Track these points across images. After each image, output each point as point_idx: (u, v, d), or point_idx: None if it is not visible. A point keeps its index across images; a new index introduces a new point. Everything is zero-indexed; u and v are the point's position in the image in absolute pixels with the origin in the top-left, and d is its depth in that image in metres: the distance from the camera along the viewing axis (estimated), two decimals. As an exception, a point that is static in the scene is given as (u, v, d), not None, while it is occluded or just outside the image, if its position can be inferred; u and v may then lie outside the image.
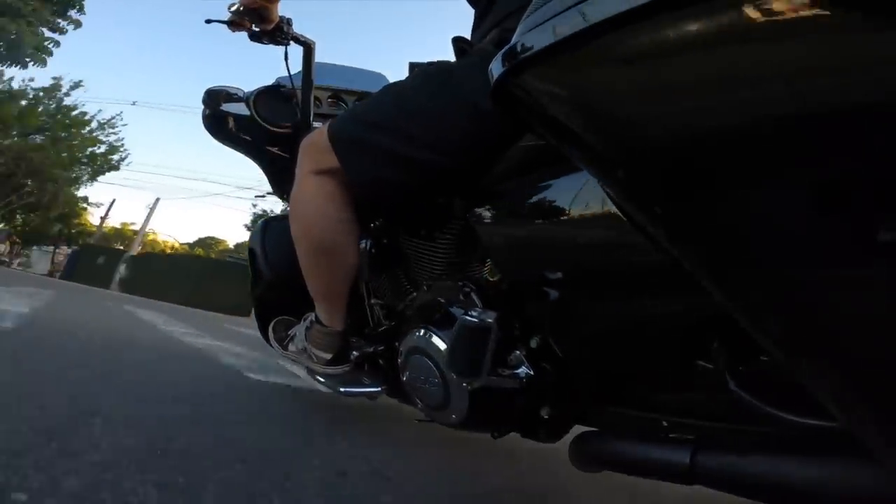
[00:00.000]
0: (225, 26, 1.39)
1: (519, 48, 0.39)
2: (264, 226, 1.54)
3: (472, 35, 0.97)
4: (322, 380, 1.14)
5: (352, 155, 0.89)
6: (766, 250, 0.32)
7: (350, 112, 1.03)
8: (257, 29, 1.39)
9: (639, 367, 0.70)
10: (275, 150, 1.52)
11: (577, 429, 0.76)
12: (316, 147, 0.94)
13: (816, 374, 0.34)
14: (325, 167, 0.92)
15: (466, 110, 0.80)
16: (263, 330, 1.41)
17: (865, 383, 0.31)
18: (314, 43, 1.47)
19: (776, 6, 0.26)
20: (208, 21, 1.43)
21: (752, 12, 0.27)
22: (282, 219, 1.56)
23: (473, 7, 1.01)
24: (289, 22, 1.42)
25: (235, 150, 1.59)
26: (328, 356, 1.08)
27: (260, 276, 1.46)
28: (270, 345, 1.33)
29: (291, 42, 1.45)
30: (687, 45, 0.30)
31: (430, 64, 0.90)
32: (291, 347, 1.21)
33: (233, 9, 1.33)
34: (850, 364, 0.31)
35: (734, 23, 0.27)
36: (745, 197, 0.31)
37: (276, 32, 1.40)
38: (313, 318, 1.11)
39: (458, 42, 0.94)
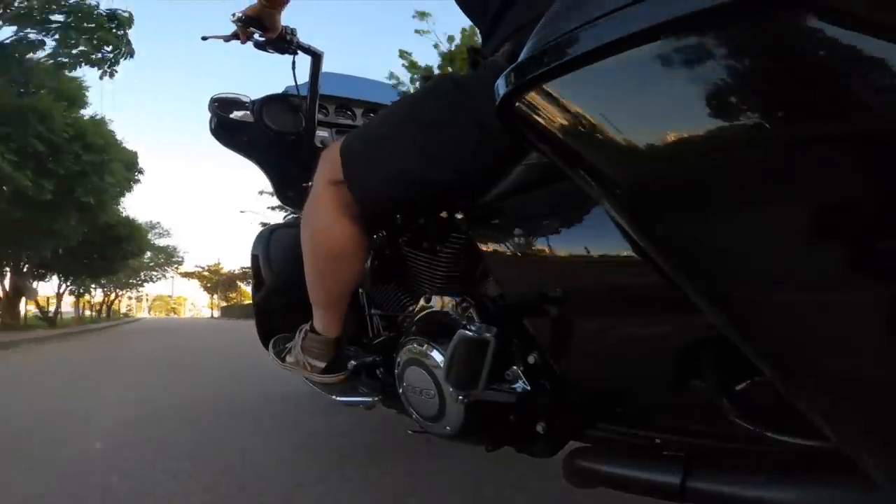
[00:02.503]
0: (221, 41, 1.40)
1: (524, 67, 0.39)
2: (269, 232, 1.54)
3: (484, 47, 0.95)
4: (319, 389, 1.14)
5: (356, 169, 0.90)
6: (765, 272, 0.32)
7: (364, 125, 1.04)
8: (262, 38, 1.41)
9: (634, 385, 0.70)
10: (280, 157, 1.54)
11: (573, 445, 0.76)
12: (330, 158, 0.95)
13: (811, 394, 0.35)
14: (339, 178, 0.92)
15: (474, 125, 0.79)
16: (265, 340, 1.41)
17: (860, 404, 0.32)
18: (322, 53, 1.49)
19: (775, 34, 0.27)
20: (204, 38, 1.44)
21: (755, 38, 0.27)
22: (286, 226, 1.57)
23: (476, 23, 1.00)
24: (293, 31, 1.43)
25: (241, 156, 1.60)
26: (322, 364, 1.08)
27: (262, 283, 1.46)
28: (270, 357, 1.33)
29: (298, 52, 1.46)
30: (690, 68, 0.30)
31: (441, 76, 0.90)
32: (289, 359, 1.21)
33: (234, 18, 1.34)
34: (846, 385, 0.32)
35: (739, 47, 0.28)
36: (744, 219, 0.31)
37: (280, 42, 1.42)
38: (308, 328, 1.11)
39: (471, 53, 0.94)
